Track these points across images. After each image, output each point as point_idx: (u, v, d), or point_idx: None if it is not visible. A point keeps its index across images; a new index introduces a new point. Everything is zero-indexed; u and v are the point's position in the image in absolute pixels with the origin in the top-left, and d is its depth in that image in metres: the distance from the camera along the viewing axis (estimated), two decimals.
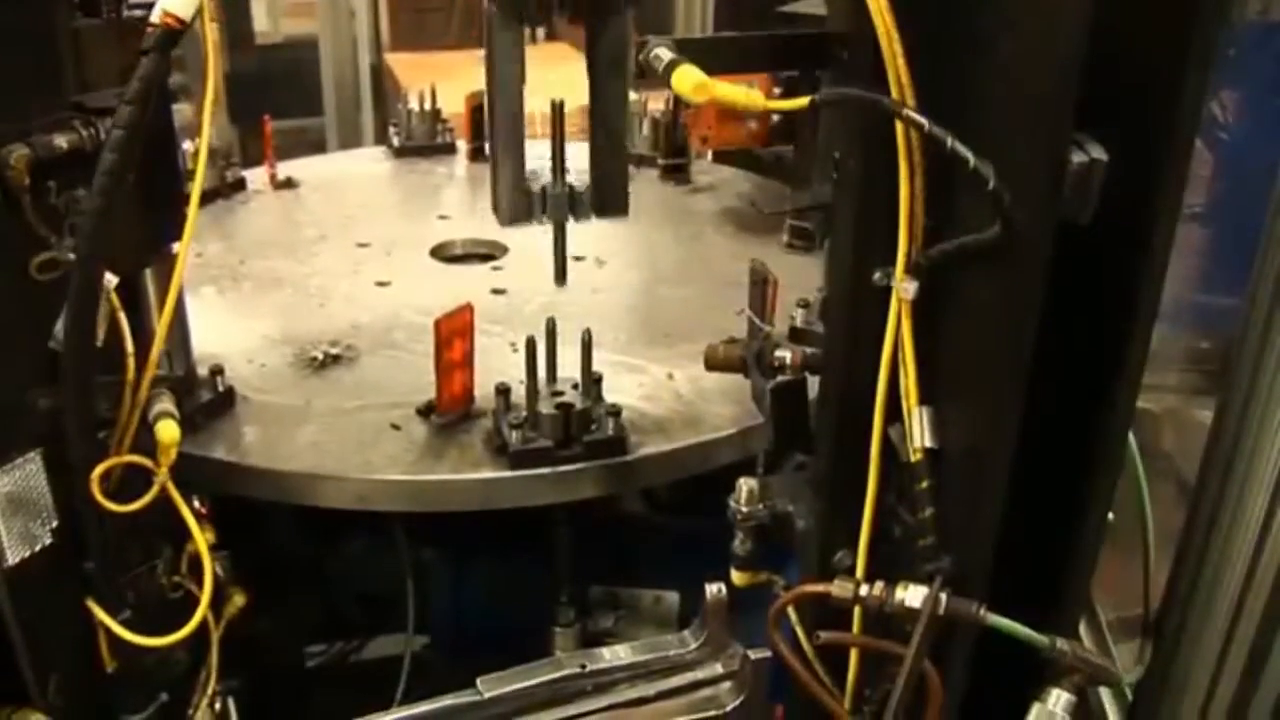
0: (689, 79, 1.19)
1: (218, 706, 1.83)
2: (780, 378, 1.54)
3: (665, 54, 1.23)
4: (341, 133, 4.74)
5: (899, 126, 1.17)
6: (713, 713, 1.15)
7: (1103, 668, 1.32)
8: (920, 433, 1.28)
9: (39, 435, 1.42)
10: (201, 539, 1.54)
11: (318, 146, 4.54)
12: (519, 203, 1.90)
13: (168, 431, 1.43)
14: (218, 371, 1.79)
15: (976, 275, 1.19)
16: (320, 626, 2.27)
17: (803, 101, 1.20)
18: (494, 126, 1.89)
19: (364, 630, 2.32)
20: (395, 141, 3.00)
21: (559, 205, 1.91)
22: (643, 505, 2.27)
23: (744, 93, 1.23)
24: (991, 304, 1.19)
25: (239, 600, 1.76)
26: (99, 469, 1.44)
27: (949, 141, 1.11)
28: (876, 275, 1.27)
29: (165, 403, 1.47)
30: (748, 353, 1.67)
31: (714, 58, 1.25)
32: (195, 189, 1.56)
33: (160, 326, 1.50)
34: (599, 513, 1.88)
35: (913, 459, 1.29)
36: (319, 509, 1.71)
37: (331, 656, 2.36)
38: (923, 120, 1.12)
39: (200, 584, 1.60)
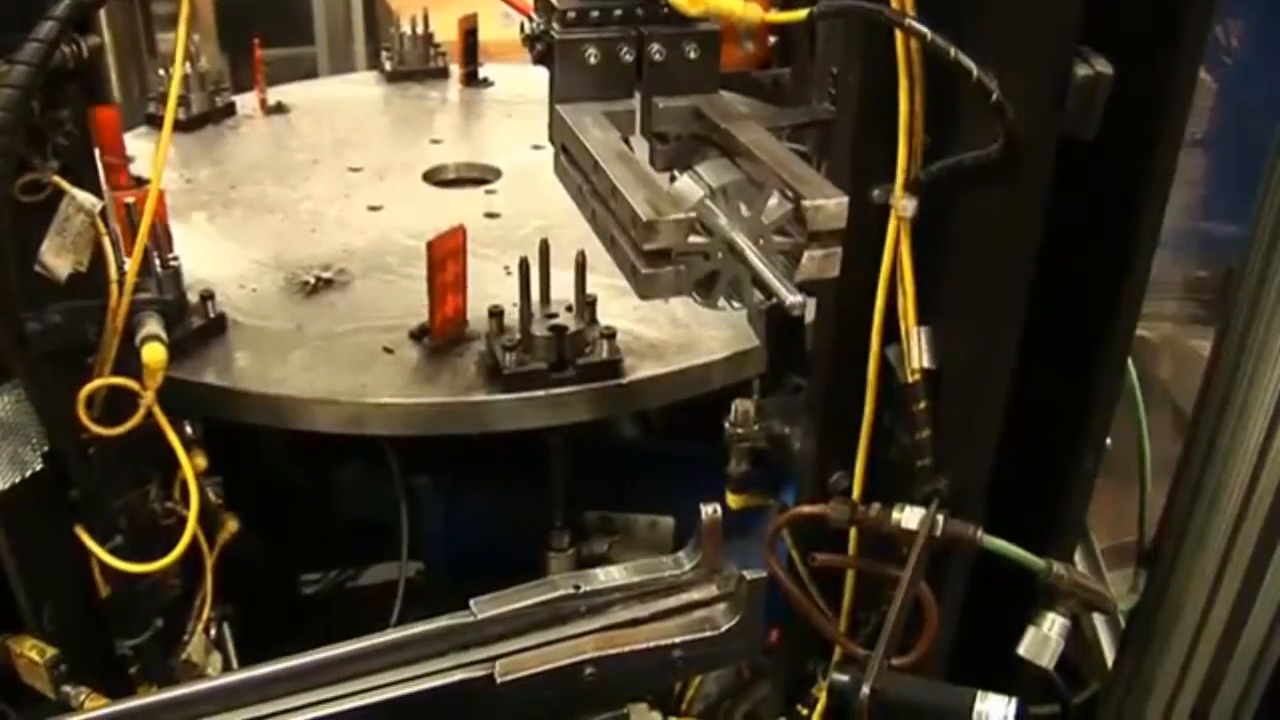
0: None
1: (213, 632, 1.83)
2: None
3: None
4: (333, 60, 4.68)
5: (899, 39, 1.15)
6: (708, 633, 1.14)
7: (1098, 592, 1.32)
8: (918, 353, 1.27)
9: (28, 359, 1.40)
10: (187, 463, 1.53)
11: (310, 76, 4.49)
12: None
13: (154, 354, 1.41)
14: (208, 297, 1.77)
15: (977, 192, 1.17)
16: (316, 555, 2.27)
17: (801, 14, 1.17)
18: None
19: (360, 558, 2.32)
20: (387, 66, 2.96)
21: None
22: (637, 430, 2.27)
23: (740, 3, 1.20)
24: (992, 222, 1.18)
25: (232, 526, 1.75)
26: (84, 391, 1.43)
27: (952, 52, 1.09)
28: (875, 193, 1.25)
29: (153, 326, 1.45)
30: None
31: None
32: (169, 113, 1.54)
33: (136, 247, 1.48)
34: (593, 437, 1.87)
35: (910, 380, 1.28)
36: (312, 434, 1.69)
37: (327, 584, 2.36)
38: (924, 30, 1.10)
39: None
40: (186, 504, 1.58)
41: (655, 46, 1.27)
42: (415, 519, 1.96)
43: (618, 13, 1.28)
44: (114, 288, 1.43)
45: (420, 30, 2.96)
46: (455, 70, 2.94)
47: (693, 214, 1.10)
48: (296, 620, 2.29)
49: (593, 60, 1.27)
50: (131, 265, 1.46)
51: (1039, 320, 1.23)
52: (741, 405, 1.49)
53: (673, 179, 1.19)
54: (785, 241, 1.14)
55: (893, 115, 1.21)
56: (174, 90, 1.51)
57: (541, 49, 1.30)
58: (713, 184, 1.12)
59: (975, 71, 1.08)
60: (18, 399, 1.42)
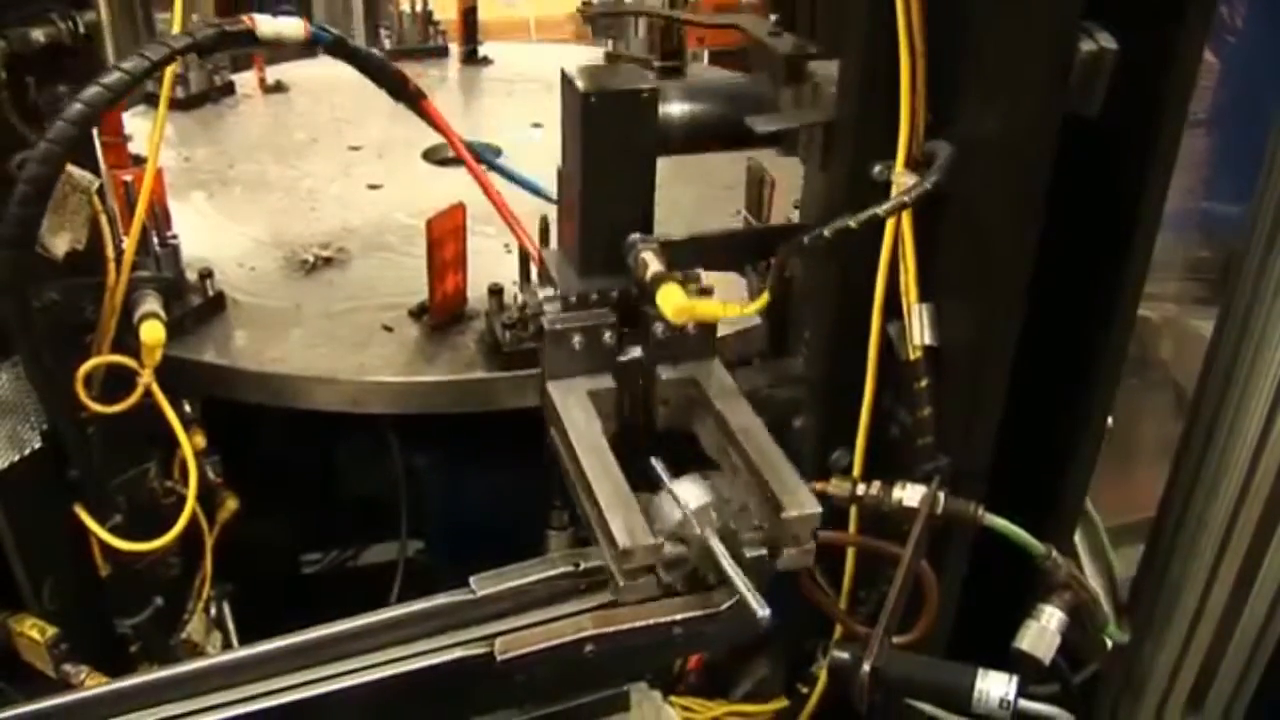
0: None
1: (213, 611, 1.83)
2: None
3: None
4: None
5: (900, 11, 1.14)
6: (708, 610, 1.13)
7: (1092, 597, 1.32)
8: (920, 330, 1.26)
9: (26, 335, 1.40)
10: (186, 441, 1.53)
11: (308, 55, 4.46)
12: None
13: (152, 332, 1.40)
14: (206, 275, 1.77)
15: (979, 169, 1.16)
16: (317, 534, 2.26)
17: None
18: None
19: (360, 537, 2.32)
20: (386, 44, 2.95)
21: None
22: None
23: (720, 306, 1.25)
24: (994, 199, 1.17)
25: (231, 505, 1.75)
26: (82, 370, 1.43)
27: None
28: (876, 169, 1.25)
29: (151, 304, 1.44)
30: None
31: None
32: (164, 92, 1.54)
33: (134, 225, 1.48)
34: None
35: (911, 357, 1.27)
36: (313, 413, 1.69)
37: (328, 564, 2.36)
38: None
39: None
40: (185, 483, 1.58)
41: (659, 326, 1.31)
42: (415, 498, 1.96)
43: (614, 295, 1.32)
44: (112, 266, 1.43)
45: (419, 8, 2.95)
46: (455, 49, 2.93)
47: (663, 541, 1.14)
48: (297, 599, 2.28)
49: (578, 345, 1.32)
50: (129, 243, 1.46)
51: (1041, 299, 1.22)
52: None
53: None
54: (757, 536, 1.18)
55: (894, 91, 1.20)
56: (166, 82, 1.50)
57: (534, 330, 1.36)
58: (691, 505, 1.16)
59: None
60: (16, 376, 1.41)
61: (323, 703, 1.14)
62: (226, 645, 1.83)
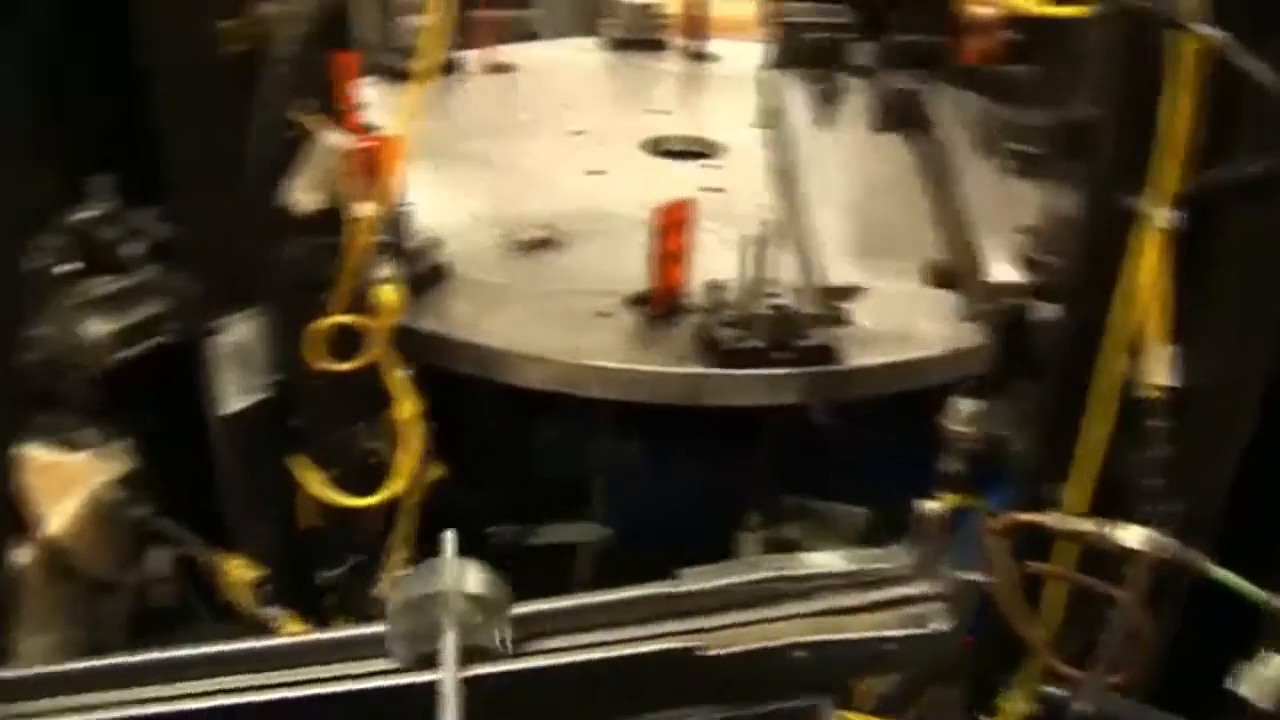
0: None
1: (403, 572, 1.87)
2: (1006, 302, 1.49)
3: None
4: (552, 22, 4.70)
5: (1173, 42, 1.10)
6: (925, 630, 1.11)
7: None
8: (1163, 370, 1.22)
9: (269, 290, 1.45)
10: (409, 405, 1.56)
11: (526, 38, 4.52)
12: None
13: (390, 295, 1.44)
14: (433, 245, 1.80)
15: (1253, 207, 1.12)
16: (505, 509, 2.29)
17: (1082, 10, 1.14)
18: None
19: (546, 516, 2.34)
20: (611, 33, 2.97)
21: None
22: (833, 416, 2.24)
23: None
24: (1264, 242, 1.12)
25: (436, 472, 1.78)
26: (318, 326, 1.47)
27: (1242, 60, 1.05)
28: (1128, 200, 1.21)
29: (389, 268, 1.48)
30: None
31: None
32: (423, 68, 1.57)
33: (381, 192, 1.52)
34: (798, 420, 1.85)
35: (1150, 396, 1.24)
36: (518, 390, 1.71)
37: (510, 537, 2.38)
38: (1214, 33, 1.05)
39: (396, 452, 1.63)
40: (393, 445, 1.61)
41: None
42: (609, 482, 1.97)
43: None
44: (354, 227, 1.46)
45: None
46: (679, 42, 2.93)
47: None
48: None
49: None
50: (374, 208, 1.49)
51: None
52: (965, 405, 1.46)
53: None
54: None
55: (1153, 121, 1.16)
56: (426, 43, 1.53)
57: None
58: None
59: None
60: (255, 327, 1.46)
61: (532, 676, 1.15)
62: None
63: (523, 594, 1.30)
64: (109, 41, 1.36)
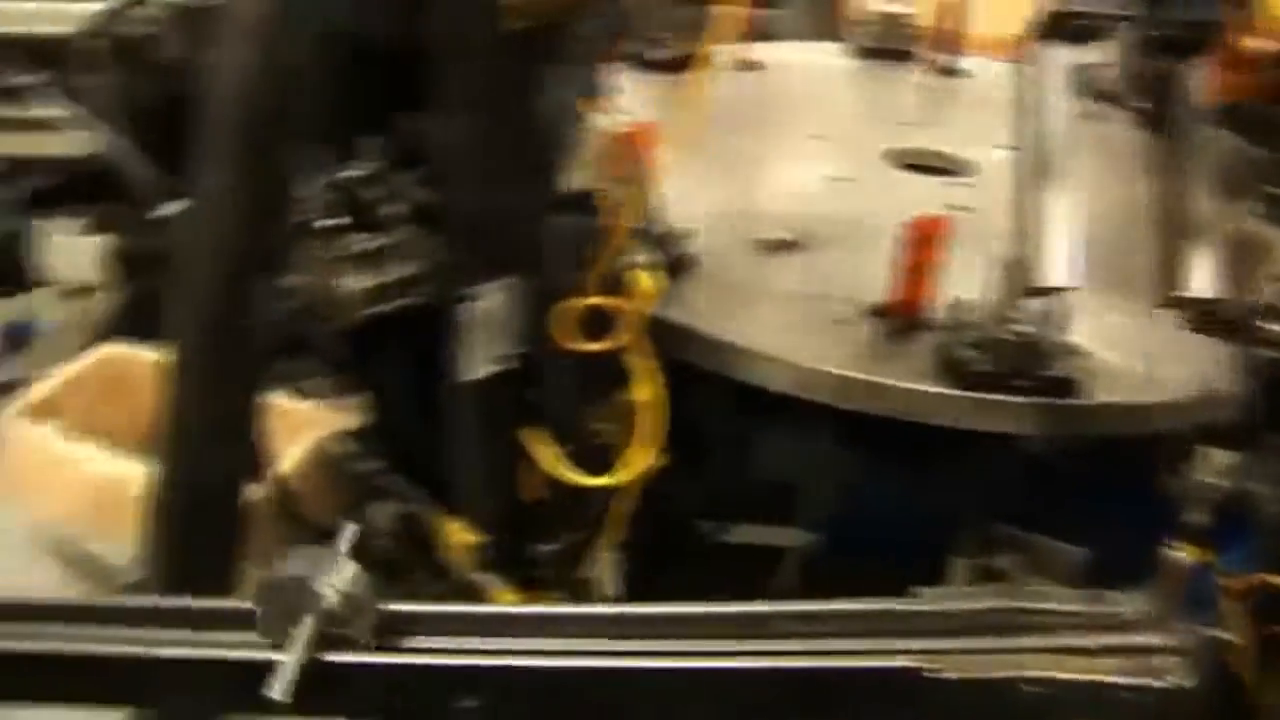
0: None
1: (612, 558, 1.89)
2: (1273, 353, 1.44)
3: None
4: (795, 24, 4.69)
5: None
6: (1160, 684, 1.08)
7: None
8: None
9: (526, 261, 1.48)
10: (654, 391, 1.58)
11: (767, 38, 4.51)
12: None
13: (647, 281, 1.46)
14: (682, 235, 1.81)
15: None
16: (713, 502, 2.30)
17: None
18: None
19: (753, 515, 2.34)
20: (859, 42, 2.94)
21: None
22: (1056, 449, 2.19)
23: None
24: None
25: (661, 460, 1.80)
26: (571, 304, 1.49)
27: None
28: None
29: (646, 253, 1.51)
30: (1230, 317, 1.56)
31: None
32: (701, 59, 1.58)
33: (643, 181, 1.54)
34: (1016, 449, 1.82)
35: None
36: (748, 388, 1.72)
37: (714, 532, 2.39)
38: None
39: (627, 435, 1.65)
40: (624, 429, 1.63)
41: None
42: (821, 490, 1.96)
43: None
44: (616, 210, 1.49)
45: (898, 9, 2.93)
46: (928, 55, 2.89)
47: None
48: (672, 565, 2.33)
49: None
50: (634, 193, 1.51)
51: None
52: (1218, 456, 1.41)
53: None
54: None
55: None
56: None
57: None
58: None
59: None
60: (508, 297, 1.50)
61: (750, 676, 1.15)
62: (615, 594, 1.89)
63: (720, 591, 1.31)
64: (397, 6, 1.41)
